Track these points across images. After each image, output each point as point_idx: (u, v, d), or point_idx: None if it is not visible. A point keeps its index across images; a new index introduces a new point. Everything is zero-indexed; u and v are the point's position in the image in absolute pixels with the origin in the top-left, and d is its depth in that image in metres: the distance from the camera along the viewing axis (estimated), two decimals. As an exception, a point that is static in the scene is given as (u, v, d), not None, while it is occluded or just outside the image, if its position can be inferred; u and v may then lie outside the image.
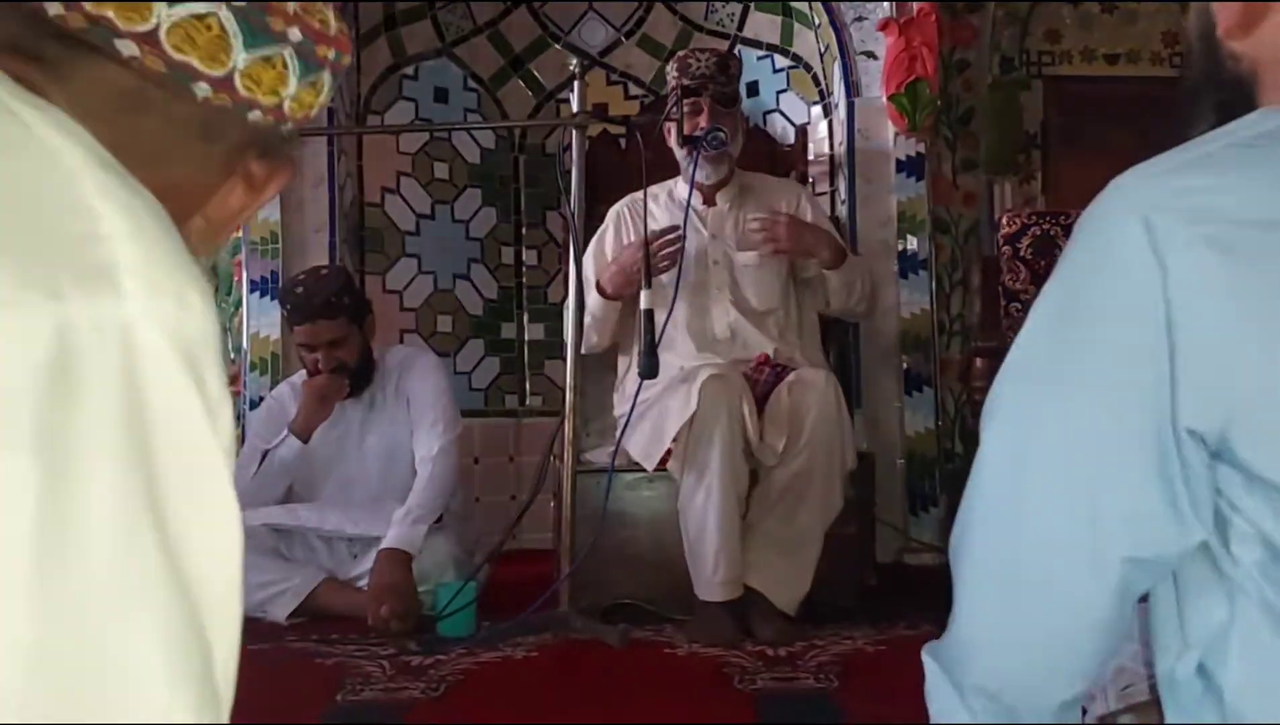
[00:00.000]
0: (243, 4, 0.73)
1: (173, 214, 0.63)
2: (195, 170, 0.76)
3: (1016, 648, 0.91)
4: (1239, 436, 0.77)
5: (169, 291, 0.53)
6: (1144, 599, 0.91)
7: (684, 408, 2.77)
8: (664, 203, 3.27)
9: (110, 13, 0.68)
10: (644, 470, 2.95)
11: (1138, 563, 0.83)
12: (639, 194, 3.32)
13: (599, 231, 3.28)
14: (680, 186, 3.29)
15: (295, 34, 0.76)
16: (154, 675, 0.49)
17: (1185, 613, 0.86)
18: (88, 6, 0.67)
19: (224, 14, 0.71)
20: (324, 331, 3.25)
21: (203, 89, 0.72)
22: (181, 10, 0.70)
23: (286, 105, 0.78)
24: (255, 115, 0.76)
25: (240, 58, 0.73)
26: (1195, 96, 0.96)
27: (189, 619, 0.51)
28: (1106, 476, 0.82)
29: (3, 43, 0.68)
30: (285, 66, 0.76)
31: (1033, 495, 0.86)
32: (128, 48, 0.69)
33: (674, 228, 3.05)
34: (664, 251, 2.97)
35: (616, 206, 3.34)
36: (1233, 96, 0.90)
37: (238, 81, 0.73)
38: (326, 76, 0.81)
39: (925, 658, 0.97)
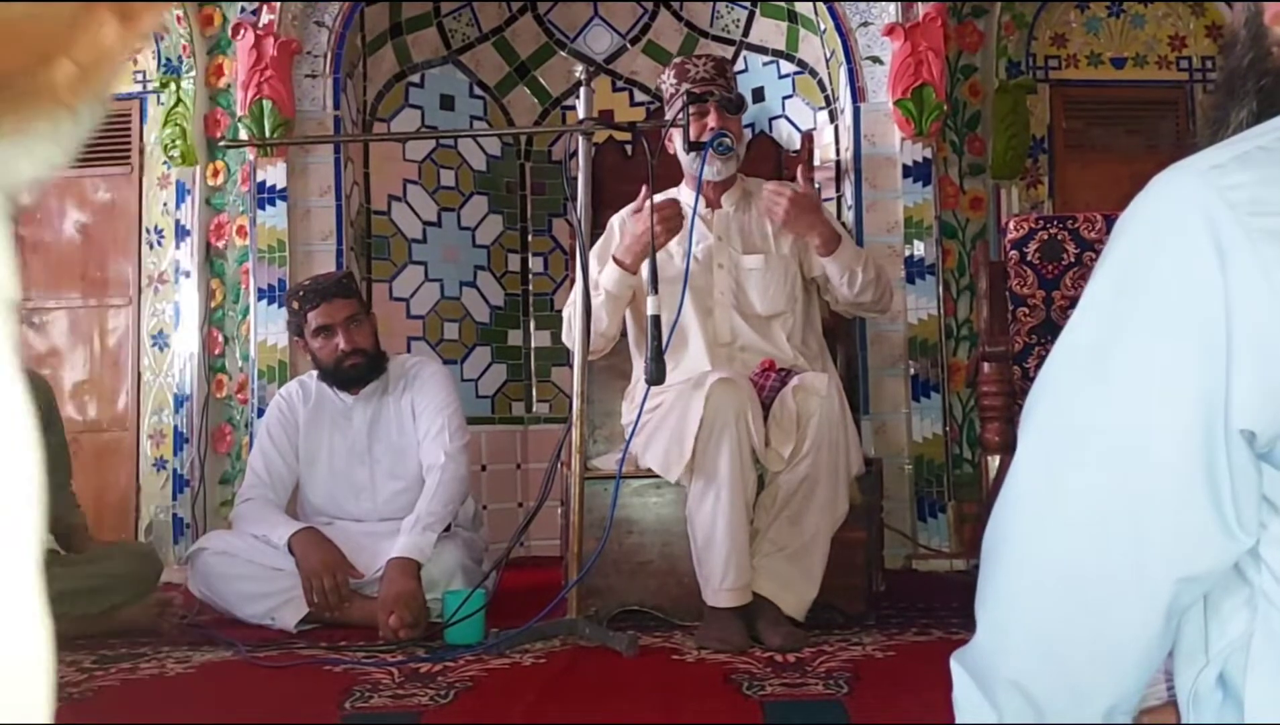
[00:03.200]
0: None
1: (25, 55, 0.58)
2: None
3: (1054, 656, 0.88)
4: None
5: None
6: None
7: (698, 416, 2.77)
8: None
9: None
10: (651, 476, 2.95)
11: (1183, 576, 0.80)
12: (637, 203, 3.32)
13: (601, 239, 3.27)
14: (684, 192, 3.28)
15: None
16: None
17: (1209, 620, 0.85)
18: None
19: None
20: (340, 308, 3.28)
21: None
22: None
23: None
24: None
25: None
26: (1237, 81, 0.95)
27: None
28: (1152, 485, 0.79)
29: None
30: None
31: (1075, 503, 0.83)
32: None
33: (673, 201, 3.05)
34: (665, 216, 2.96)
35: (617, 216, 3.30)
36: (1275, 83, 0.90)
37: None
38: None
39: (953, 664, 0.94)
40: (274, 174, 4.19)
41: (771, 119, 4.66)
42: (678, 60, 3.28)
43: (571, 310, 3.06)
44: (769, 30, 4.67)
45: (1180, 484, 0.78)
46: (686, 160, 3.18)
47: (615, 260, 3.04)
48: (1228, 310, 0.75)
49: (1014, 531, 0.89)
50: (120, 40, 0.69)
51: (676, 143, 3.17)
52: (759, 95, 4.66)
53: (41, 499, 0.53)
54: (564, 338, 3.24)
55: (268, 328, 4.16)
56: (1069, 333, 0.85)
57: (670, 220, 2.98)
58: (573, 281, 3.13)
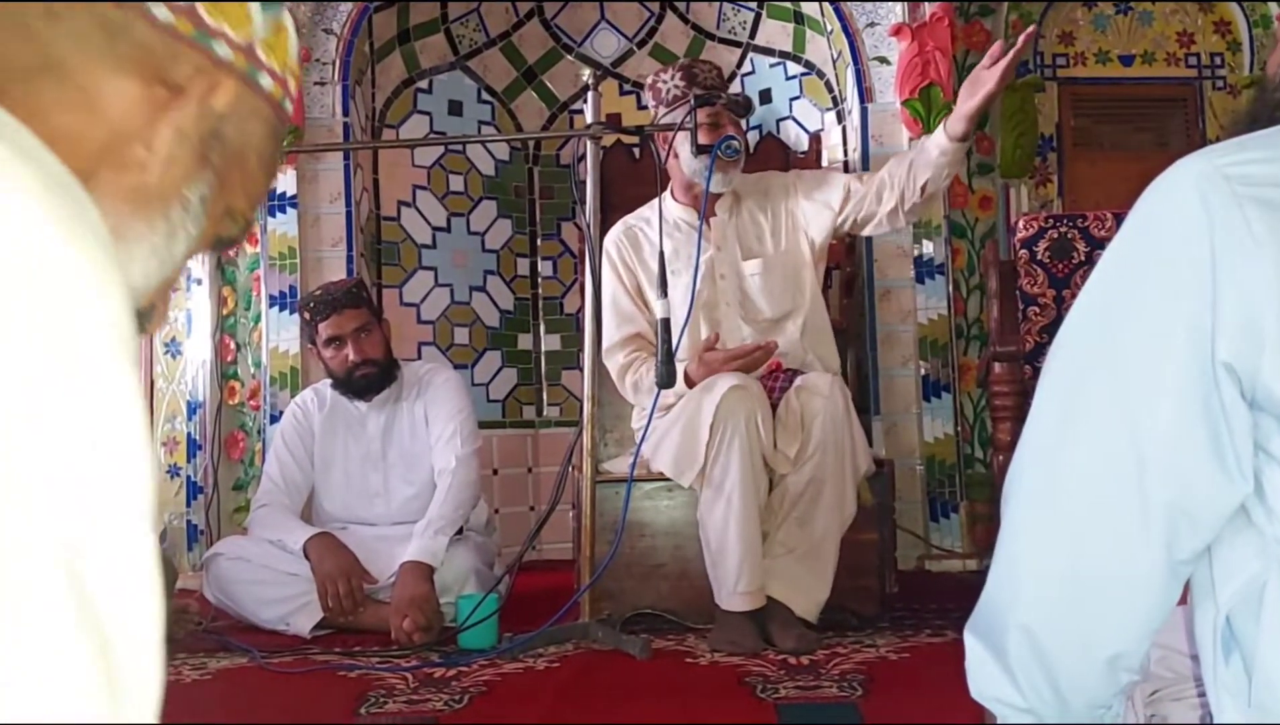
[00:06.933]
0: None
1: (103, 134, 0.59)
2: (103, 70, 0.71)
3: (1062, 599, 0.91)
4: (1272, 368, 0.81)
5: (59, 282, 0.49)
6: (1181, 602, 0.91)
7: (709, 420, 2.76)
8: (656, 224, 3.07)
9: None
10: (663, 479, 2.95)
11: (1183, 513, 0.85)
12: (630, 219, 3.30)
13: (604, 272, 3.17)
14: (669, 203, 3.21)
15: None
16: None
17: (1215, 568, 0.88)
18: None
19: None
20: (350, 319, 3.28)
21: (162, 12, 0.72)
22: None
23: (259, 47, 0.77)
24: (224, 49, 0.75)
25: None
26: (1262, 112, 1.03)
27: (100, 670, 0.49)
28: (1152, 417, 0.85)
29: None
30: None
31: (1081, 435, 0.89)
32: None
33: (762, 346, 2.94)
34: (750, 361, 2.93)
35: (610, 238, 3.24)
36: None
37: (200, 7, 0.74)
38: (287, 20, 0.80)
39: (966, 634, 0.98)
40: (284, 181, 4.20)
41: (779, 120, 4.66)
42: (681, 63, 3.24)
43: (633, 378, 3.09)
44: (775, 32, 4.67)
45: (1178, 412, 0.84)
46: (691, 165, 3.11)
47: (687, 380, 2.96)
48: (1214, 259, 0.82)
49: (1027, 476, 0.94)
50: (184, 115, 0.74)
51: (680, 147, 3.12)
52: (766, 97, 4.66)
53: (155, 488, 0.54)
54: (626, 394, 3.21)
55: (279, 334, 4.17)
56: (1083, 294, 0.92)
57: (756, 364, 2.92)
58: (582, 286, 3.13)
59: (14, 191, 0.50)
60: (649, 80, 3.29)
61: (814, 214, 3.18)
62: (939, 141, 2.97)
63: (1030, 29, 2.86)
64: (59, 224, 0.51)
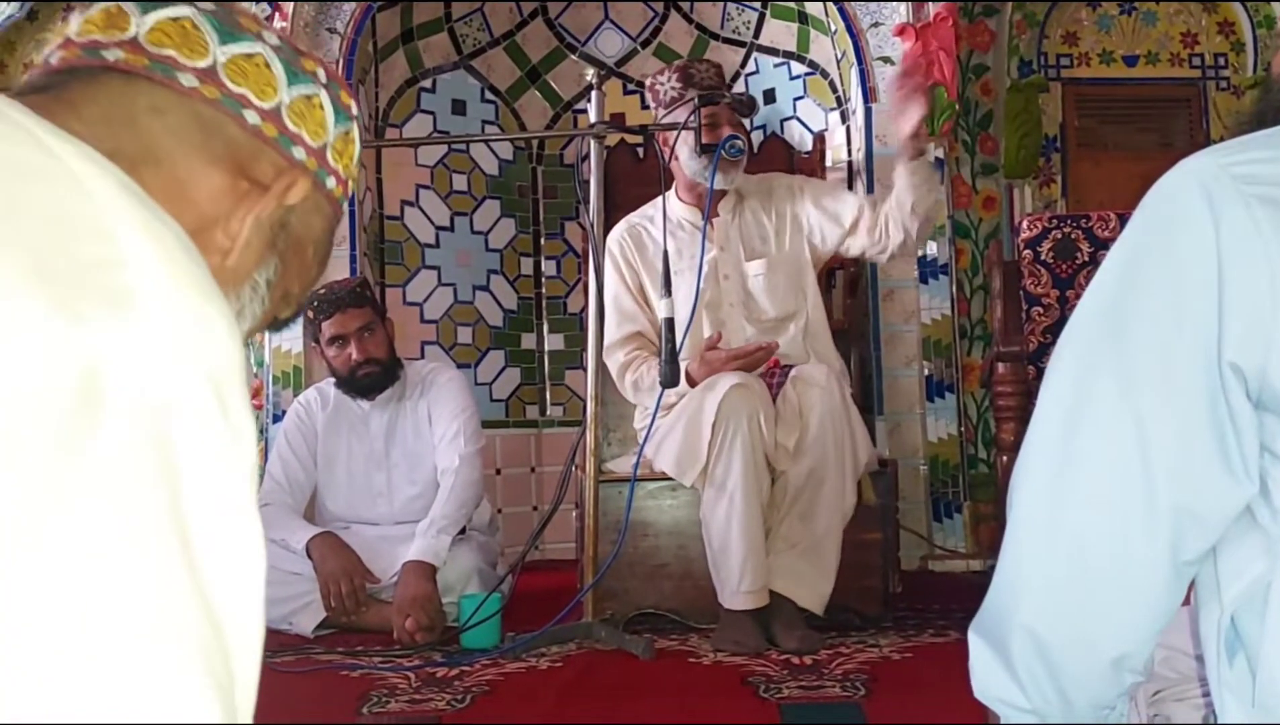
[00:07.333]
0: (280, 45, 0.87)
1: (193, 224, 0.63)
2: (197, 161, 0.81)
3: (1067, 600, 0.91)
4: (1279, 369, 0.81)
5: (191, 316, 0.54)
6: (1184, 602, 0.91)
7: (711, 419, 2.76)
8: (659, 223, 3.07)
9: (172, 51, 0.81)
10: (666, 479, 2.95)
11: (1189, 514, 0.85)
12: (633, 217, 3.30)
13: (607, 270, 3.17)
14: (673, 202, 3.21)
15: (321, 74, 0.89)
16: (177, 695, 0.49)
17: (1220, 569, 0.87)
18: (150, 49, 0.81)
19: (267, 53, 0.85)
20: (353, 318, 3.28)
21: (252, 117, 0.83)
22: (234, 48, 0.83)
23: (329, 152, 0.89)
24: (300, 153, 0.86)
25: (285, 93, 0.85)
26: (1269, 113, 1.04)
27: (214, 641, 0.51)
28: (1158, 416, 0.85)
29: (25, 86, 0.79)
30: (322, 108, 0.88)
31: (1086, 435, 0.89)
32: (188, 80, 0.81)
33: (763, 347, 2.96)
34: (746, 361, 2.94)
35: (614, 236, 3.24)
36: None
37: (284, 114, 0.85)
38: (355, 131, 0.92)
39: (970, 634, 0.98)
40: (287, 180, 4.20)
41: (783, 120, 4.66)
42: (678, 64, 3.22)
43: (633, 377, 3.10)
44: (780, 32, 4.67)
45: (1185, 413, 0.84)
46: (694, 165, 3.10)
47: (689, 380, 2.97)
48: (1220, 259, 0.82)
49: (1032, 477, 0.94)
50: (263, 207, 0.84)
51: (681, 148, 3.11)
52: (770, 96, 4.65)
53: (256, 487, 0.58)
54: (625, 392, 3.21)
55: (282, 334, 4.16)
56: (1089, 293, 0.92)
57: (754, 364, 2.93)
58: (585, 285, 3.12)
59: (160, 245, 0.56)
60: (648, 81, 3.29)
61: (820, 222, 3.18)
62: (899, 172, 3.02)
63: (914, 46, 2.88)
64: (192, 269, 0.57)
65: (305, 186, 0.86)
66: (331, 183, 0.90)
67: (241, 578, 0.54)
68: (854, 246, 3.17)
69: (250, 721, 0.55)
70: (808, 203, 3.21)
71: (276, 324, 0.93)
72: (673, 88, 3.15)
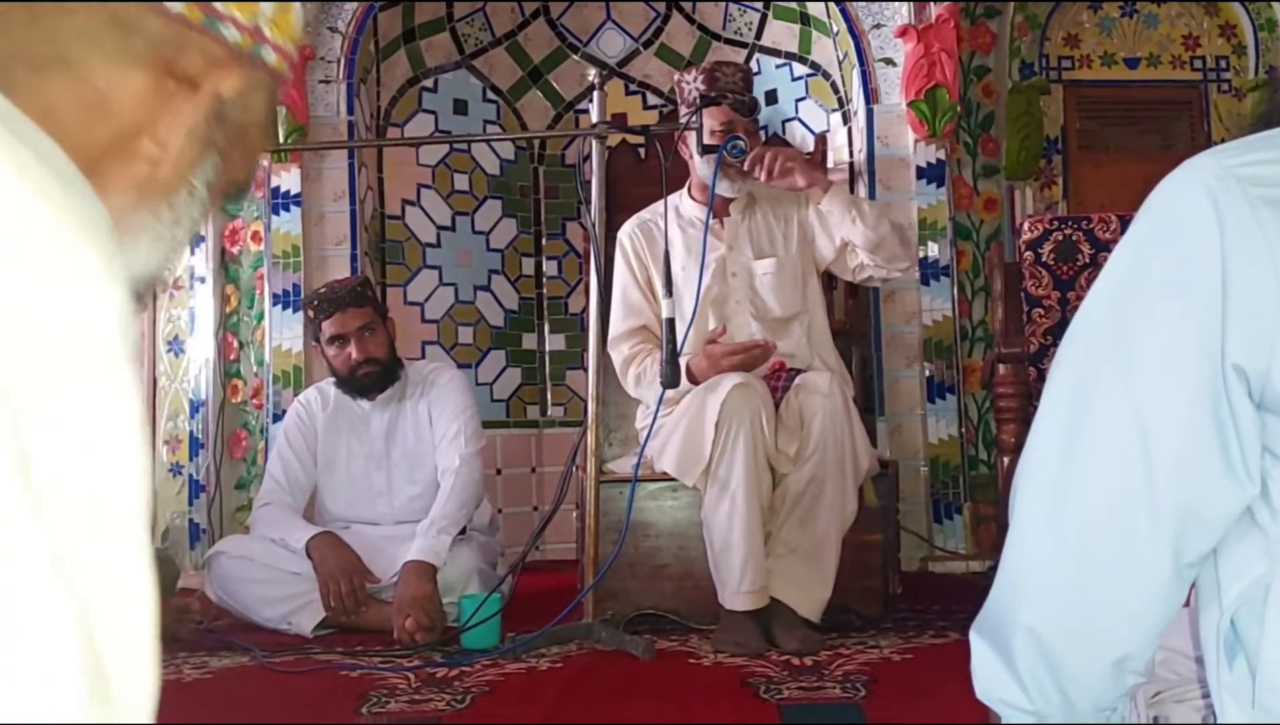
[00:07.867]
0: None
1: (108, 129, 0.58)
2: (115, 65, 0.72)
3: (1069, 601, 0.91)
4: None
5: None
6: (1184, 604, 0.91)
7: (713, 419, 2.76)
8: (673, 220, 3.17)
9: None
10: (667, 479, 2.95)
11: (1192, 515, 0.85)
12: (645, 214, 3.31)
13: (618, 256, 3.22)
14: (686, 202, 3.26)
15: None
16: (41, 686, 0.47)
17: (1221, 571, 0.88)
18: None
19: None
20: (354, 318, 3.28)
21: (174, 3, 0.72)
22: None
23: (266, 26, 0.78)
24: (231, 33, 0.75)
25: None
26: (1275, 117, 1.02)
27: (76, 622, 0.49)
28: (1161, 417, 0.85)
29: None
30: None
31: (1089, 436, 0.89)
32: None
33: (760, 344, 2.97)
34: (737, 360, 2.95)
35: (625, 230, 3.27)
36: None
37: None
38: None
39: (972, 635, 0.98)
40: (288, 179, 4.20)
41: (785, 121, 4.66)
42: (706, 65, 3.27)
43: (636, 371, 3.10)
44: (781, 33, 4.67)
45: (1189, 415, 0.84)
46: (700, 165, 3.15)
47: (690, 377, 2.97)
48: (1224, 262, 0.82)
49: (1034, 478, 0.94)
50: (195, 109, 0.74)
51: (691, 147, 3.15)
52: (772, 98, 4.65)
53: (149, 494, 0.55)
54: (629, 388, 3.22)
55: (282, 333, 4.17)
56: (1092, 294, 0.92)
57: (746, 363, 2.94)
58: (587, 286, 3.13)
59: (17, 184, 0.50)
60: (676, 77, 3.35)
61: (821, 232, 3.19)
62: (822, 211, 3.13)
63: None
64: (61, 217, 0.51)
65: (239, 78, 0.77)
66: (270, 56, 0.80)
67: (126, 601, 0.52)
68: (845, 271, 3.22)
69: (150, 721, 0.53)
70: (811, 212, 3.23)
71: (228, 201, 0.85)
72: (697, 89, 3.18)
